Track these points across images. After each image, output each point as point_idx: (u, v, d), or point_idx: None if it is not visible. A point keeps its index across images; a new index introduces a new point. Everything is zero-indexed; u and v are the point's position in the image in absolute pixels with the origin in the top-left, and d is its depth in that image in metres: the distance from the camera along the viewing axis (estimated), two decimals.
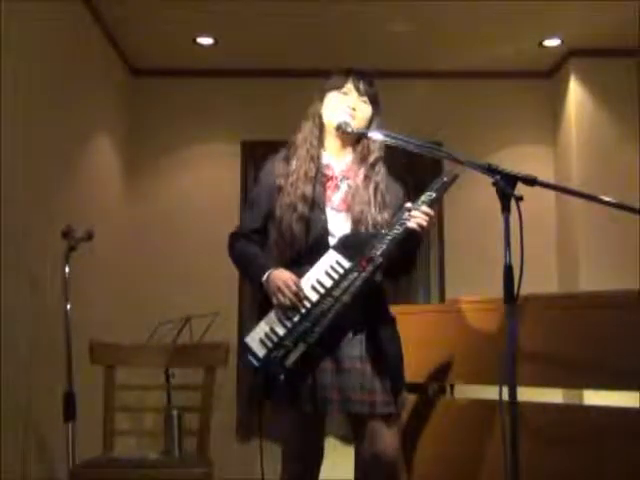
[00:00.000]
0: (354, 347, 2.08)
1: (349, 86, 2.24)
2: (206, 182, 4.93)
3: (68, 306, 2.98)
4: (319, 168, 2.20)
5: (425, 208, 2.03)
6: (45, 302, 3.31)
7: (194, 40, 4.51)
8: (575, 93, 4.66)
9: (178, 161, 4.96)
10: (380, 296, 2.18)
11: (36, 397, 3.24)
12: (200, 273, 4.70)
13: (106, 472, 2.74)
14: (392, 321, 2.20)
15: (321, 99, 2.28)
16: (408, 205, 2.07)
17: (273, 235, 2.19)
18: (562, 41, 4.52)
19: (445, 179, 2.12)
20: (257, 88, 4.92)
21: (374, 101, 2.26)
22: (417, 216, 2.02)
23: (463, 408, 2.78)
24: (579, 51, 4.61)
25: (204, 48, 4.62)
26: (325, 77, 2.32)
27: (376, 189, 2.18)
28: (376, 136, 2.14)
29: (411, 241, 2.07)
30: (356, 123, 2.20)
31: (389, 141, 2.12)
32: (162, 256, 4.77)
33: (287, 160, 2.24)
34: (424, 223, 2.02)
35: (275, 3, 4.00)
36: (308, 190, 2.14)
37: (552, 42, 4.53)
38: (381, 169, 2.24)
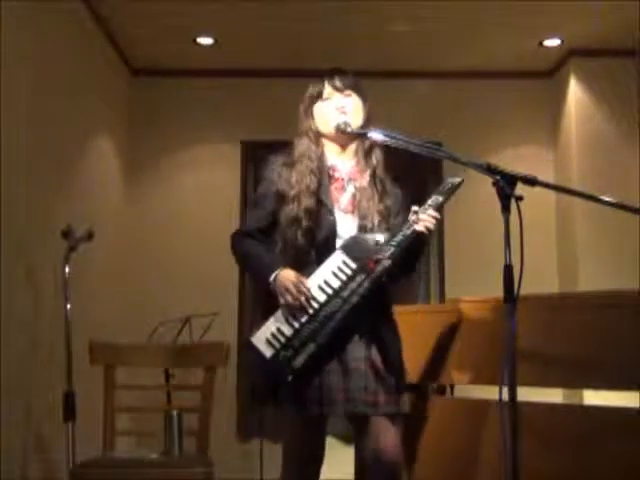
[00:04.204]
0: (359, 348, 2.08)
1: (328, 90, 2.24)
2: (206, 182, 4.93)
3: (68, 306, 2.99)
4: (322, 174, 2.20)
5: (432, 212, 2.06)
6: (45, 302, 3.31)
7: (194, 40, 4.51)
8: (575, 93, 4.66)
9: (178, 161, 4.96)
10: (386, 298, 2.19)
11: (36, 397, 3.25)
12: (200, 273, 4.70)
13: (106, 472, 2.74)
14: (395, 323, 2.21)
15: (307, 114, 2.27)
16: (415, 208, 2.09)
17: (278, 241, 2.20)
18: (562, 41, 4.52)
19: (452, 183, 2.14)
20: (257, 88, 4.92)
21: (357, 90, 2.26)
22: (425, 219, 2.05)
23: (463, 408, 2.77)
24: (579, 51, 4.62)
25: (204, 48, 4.62)
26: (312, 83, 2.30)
27: (381, 191, 2.20)
28: (376, 136, 2.14)
29: (417, 244, 2.09)
30: (351, 120, 2.20)
31: (389, 141, 2.12)
32: (162, 256, 4.77)
33: (288, 167, 2.21)
34: (432, 226, 2.06)
35: (275, 3, 4.00)
36: (311, 203, 2.13)
37: (552, 42, 4.53)
38: (383, 171, 2.26)
